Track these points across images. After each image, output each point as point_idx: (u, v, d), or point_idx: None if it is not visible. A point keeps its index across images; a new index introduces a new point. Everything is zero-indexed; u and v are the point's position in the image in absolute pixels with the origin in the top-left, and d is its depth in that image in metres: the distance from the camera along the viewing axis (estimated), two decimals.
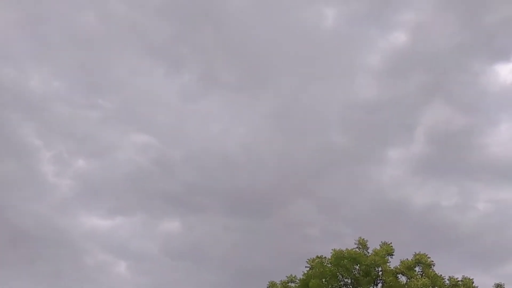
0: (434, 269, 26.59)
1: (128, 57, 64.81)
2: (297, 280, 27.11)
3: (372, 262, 26.17)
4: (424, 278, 25.58)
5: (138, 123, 65.18)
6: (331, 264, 26.67)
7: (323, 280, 26.22)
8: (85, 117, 62.89)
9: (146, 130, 64.07)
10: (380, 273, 26.37)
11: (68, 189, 58.84)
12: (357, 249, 26.94)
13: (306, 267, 27.27)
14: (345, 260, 26.26)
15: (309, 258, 27.50)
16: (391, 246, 26.88)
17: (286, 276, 27.54)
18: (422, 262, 26.67)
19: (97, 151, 62.25)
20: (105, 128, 63.50)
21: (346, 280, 26.49)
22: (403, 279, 26.47)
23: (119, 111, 64.57)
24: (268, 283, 27.69)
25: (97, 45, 64.31)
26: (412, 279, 25.84)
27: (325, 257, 27.21)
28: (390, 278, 26.02)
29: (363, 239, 27.35)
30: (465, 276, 26.33)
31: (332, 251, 27.02)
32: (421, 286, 25.04)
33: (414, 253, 27.05)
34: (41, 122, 61.61)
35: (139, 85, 65.82)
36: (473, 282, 26.00)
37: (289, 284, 27.24)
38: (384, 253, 26.52)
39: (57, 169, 60.49)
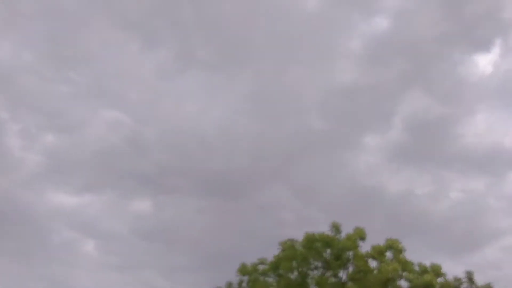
0: (405, 255, 26.66)
1: (101, 30, 62.65)
2: (267, 263, 26.78)
3: (344, 246, 26.03)
4: (395, 263, 25.56)
5: (110, 99, 63.49)
6: (302, 247, 26.46)
7: (294, 262, 25.96)
8: (55, 91, 60.83)
9: (118, 107, 62.43)
10: (351, 257, 26.23)
11: (35, 164, 57.05)
12: (329, 233, 26.73)
13: (277, 249, 27.05)
14: (317, 243, 26.09)
15: (281, 241, 27.26)
16: (364, 230, 26.74)
17: (257, 258, 27.21)
18: (393, 247, 26.67)
19: (66, 127, 60.48)
20: (76, 103, 61.64)
21: (317, 263, 26.30)
22: (374, 264, 26.43)
23: (90, 86, 62.71)
24: (240, 265, 27.26)
25: (69, 16, 61.94)
26: (383, 264, 25.79)
27: (296, 240, 27.01)
28: (361, 262, 25.95)
29: (337, 222, 27.11)
30: (433, 262, 26.46)
31: (304, 234, 26.83)
32: (392, 271, 25.05)
33: (386, 239, 27.03)
34: (8, 94, 59.34)
35: (112, 60, 63.98)
36: (441, 268, 26.14)
37: (260, 266, 26.89)
38: (356, 237, 26.39)
39: (24, 143, 58.54)
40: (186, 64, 63.93)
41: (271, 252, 27.12)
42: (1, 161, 56.22)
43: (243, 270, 26.78)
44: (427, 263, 26.45)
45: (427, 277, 25.18)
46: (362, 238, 26.53)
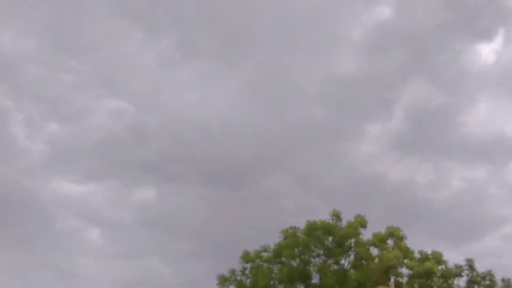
0: (406, 243, 26.92)
1: (104, 19, 62.40)
2: (270, 250, 27.03)
3: (346, 233, 26.23)
4: (396, 251, 25.81)
5: (113, 88, 63.36)
6: (304, 234, 26.67)
7: (296, 250, 26.21)
8: (58, 80, 60.74)
9: (121, 95, 62.32)
10: (353, 244, 26.46)
11: (40, 153, 57.17)
12: (330, 221, 26.93)
13: (279, 237, 27.28)
14: (318, 231, 26.29)
15: (283, 229, 27.50)
16: (365, 218, 26.94)
17: (260, 246, 27.48)
18: (394, 235, 26.92)
19: (70, 115, 60.47)
20: (79, 92, 61.58)
21: (318, 251, 26.52)
22: (375, 251, 26.67)
23: (94, 75, 62.58)
24: (242, 252, 27.51)
25: (72, 5, 61.68)
26: (384, 251, 26.03)
27: (298, 227, 27.23)
28: (363, 250, 26.18)
29: (337, 210, 27.29)
30: (434, 250, 26.72)
31: (306, 222, 27.08)
32: (393, 258, 25.28)
33: (387, 226, 27.26)
34: (13, 83, 59.31)
35: (115, 49, 63.79)
36: (442, 256, 26.40)
37: (262, 253, 27.15)
38: (357, 225, 26.58)
39: (28, 132, 58.67)
40: (188, 54, 63.83)
41: (272, 240, 27.40)
42: (6, 150, 56.37)
43: (246, 257, 27.08)
44: (428, 251, 26.76)
45: (428, 265, 25.47)
46: (363, 225, 26.74)
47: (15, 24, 61.66)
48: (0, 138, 56.69)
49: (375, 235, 26.94)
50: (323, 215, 27.55)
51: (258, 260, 26.91)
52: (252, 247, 27.59)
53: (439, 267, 25.83)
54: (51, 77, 60.16)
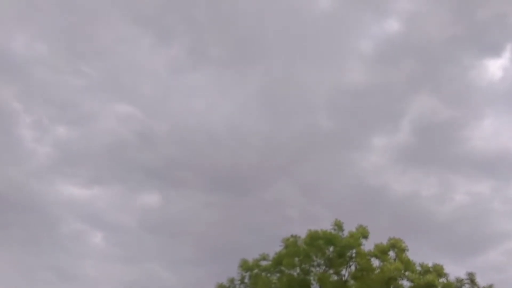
0: (407, 255, 26.76)
1: (115, 24, 63.20)
2: (269, 258, 26.96)
3: (347, 244, 26.14)
4: (398, 263, 25.67)
5: (122, 93, 64.01)
6: (305, 244, 26.61)
7: (296, 259, 26.14)
8: (68, 84, 61.41)
9: (130, 101, 62.93)
10: (354, 255, 26.35)
11: (47, 156, 57.75)
12: (332, 231, 26.86)
13: (280, 245, 27.22)
14: (319, 241, 26.21)
15: (284, 238, 27.45)
16: (367, 229, 26.84)
17: (259, 254, 27.39)
18: (396, 247, 26.75)
19: (78, 119, 61.08)
20: (88, 96, 62.24)
21: (319, 260, 26.44)
22: (376, 262, 26.54)
23: (103, 79, 63.23)
24: (240, 261, 27.46)
25: (84, 10, 62.55)
26: (386, 263, 25.90)
27: (299, 236, 27.15)
28: (364, 260, 26.07)
29: (339, 220, 27.24)
30: (435, 263, 26.53)
31: (308, 231, 27.03)
32: (394, 270, 25.14)
33: (388, 238, 27.14)
34: (22, 86, 60.08)
35: (125, 54, 64.48)
36: (443, 269, 26.20)
37: (262, 262, 27.07)
38: (359, 235, 26.50)
39: (36, 135, 59.31)
40: (197, 60, 64.32)
41: (276, 248, 27.20)
42: (13, 152, 57.00)
43: (244, 265, 26.92)
44: (430, 263, 26.54)
45: (429, 277, 25.23)
46: (365, 236, 26.60)
47: (27, 27, 62.62)
48: (8, 140, 57.42)
49: (376, 246, 26.78)
50: (327, 224, 27.46)
51: (257, 269, 26.84)
52: (256, 254, 27.45)
53: (440, 280, 25.59)
54: (61, 81, 60.97)
